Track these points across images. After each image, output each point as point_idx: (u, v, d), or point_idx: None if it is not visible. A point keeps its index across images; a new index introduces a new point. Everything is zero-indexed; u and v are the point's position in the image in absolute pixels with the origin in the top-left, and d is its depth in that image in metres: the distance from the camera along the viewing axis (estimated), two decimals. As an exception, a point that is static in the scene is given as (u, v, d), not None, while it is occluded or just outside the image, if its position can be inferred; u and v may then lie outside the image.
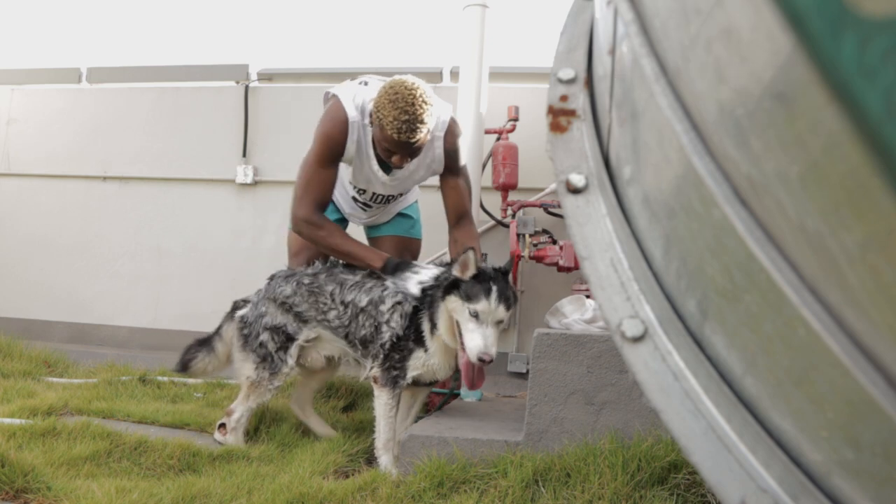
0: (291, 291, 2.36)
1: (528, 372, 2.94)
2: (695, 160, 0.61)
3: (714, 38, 0.56)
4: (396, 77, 2.28)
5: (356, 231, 2.85)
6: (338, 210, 2.75)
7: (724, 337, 0.64)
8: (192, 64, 4.44)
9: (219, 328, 2.52)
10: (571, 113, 0.85)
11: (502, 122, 3.51)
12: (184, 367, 2.51)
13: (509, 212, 3.52)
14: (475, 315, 2.03)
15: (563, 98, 0.86)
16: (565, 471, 1.79)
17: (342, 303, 2.30)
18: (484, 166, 3.40)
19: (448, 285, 2.11)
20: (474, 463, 1.91)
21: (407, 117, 2.18)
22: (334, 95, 2.45)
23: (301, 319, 2.36)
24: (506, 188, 3.45)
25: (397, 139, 2.22)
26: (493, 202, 3.56)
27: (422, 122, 2.21)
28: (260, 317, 2.37)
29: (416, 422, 2.38)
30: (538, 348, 2.01)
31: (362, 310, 2.27)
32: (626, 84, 0.75)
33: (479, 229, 3.47)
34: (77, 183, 4.43)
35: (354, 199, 2.69)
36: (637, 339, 0.69)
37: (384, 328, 2.22)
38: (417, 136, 2.23)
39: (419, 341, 2.19)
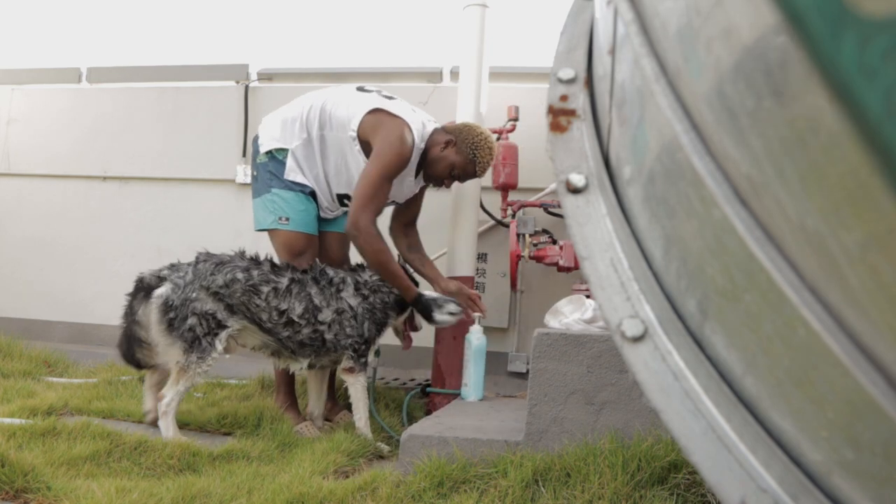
0: (223, 283, 2.42)
1: (528, 372, 2.94)
2: (695, 160, 0.61)
3: (714, 37, 0.56)
4: (482, 127, 2.85)
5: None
6: (315, 202, 2.80)
7: (724, 337, 0.64)
8: (192, 64, 4.43)
9: (133, 312, 2.44)
10: (571, 113, 0.85)
11: (502, 122, 3.51)
12: (137, 364, 2.52)
13: (509, 212, 3.52)
14: None
15: (563, 98, 0.86)
16: (565, 471, 1.79)
17: (277, 309, 2.47)
18: (484, 166, 3.40)
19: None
20: (474, 463, 1.91)
21: (492, 164, 2.84)
22: (398, 117, 2.67)
23: (231, 310, 2.43)
24: (506, 188, 3.45)
25: (478, 176, 2.85)
26: (493, 202, 3.56)
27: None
28: (188, 301, 2.37)
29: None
30: (538, 348, 2.01)
31: (308, 317, 2.52)
32: (626, 84, 0.75)
33: (480, 229, 3.48)
34: (77, 183, 4.43)
35: (342, 197, 2.84)
36: (637, 339, 0.69)
37: (351, 329, 2.56)
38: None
39: (380, 329, 2.67)
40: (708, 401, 0.65)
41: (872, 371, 0.49)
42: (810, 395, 0.56)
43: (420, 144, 2.71)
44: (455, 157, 2.72)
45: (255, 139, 2.86)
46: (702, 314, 0.66)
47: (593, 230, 0.77)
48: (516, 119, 3.46)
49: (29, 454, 1.93)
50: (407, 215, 2.98)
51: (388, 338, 3.74)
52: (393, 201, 2.91)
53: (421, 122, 2.73)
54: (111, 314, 4.29)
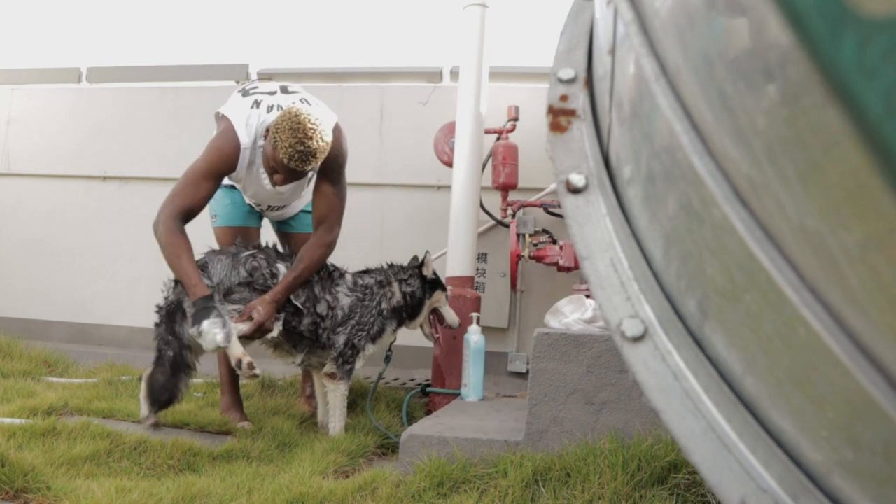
0: (248, 272, 2.54)
1: (528, 372, 2.94)
2: (695, 160, 0.61)
3: (714, 37, 0.56)
4: (298, 107, 2.40)
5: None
6: (250, 205, 2.78)
7: (724, 337, 0.64)
8: (192, 64, 4.44)
9: (178, 338, 2.33)
10: (571, 113, 0.85)
11: (502, 122, 3.51)
12: (171, 399, 2.36)
13: (509, 212, 3.52)
14: (448, 296, 2.82)
15: (563, 98, 0.86)
16: (565, 471, 1.79)
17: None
18: (484, 166, 3.40)
19: (433, 285, 2.74)
20: (474, 463, 1.91)
21: (302, 148, 2.31)
22: (225, 117, 2.53)
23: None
24: (506, 188, 3.45)
25: (286, 164, 2.34)
26: (493, 202, 3.56)
27: (314, 156, 2.35)
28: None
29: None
30: (538, 348, 2.01)
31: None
32: (626, 84, 0.75)
33: (480, 229, 3.48)
34: (77, 183, 4.43)
35: (251, 206, 2.79)
36: (637, 339, 0.69)
37: (342, 329, 2.53)
38: (307, 167, 2.37)
39: (373, 339, 2.61)
40: (708, 401, 0.65)
41: (872, 371, 0.49)
42: (810, 395, 0.56)
43: (254, 144, 2.50)
44: (267, 148, 2.42)
45: None
46: (702, 314, 0.66)
47: (593, 230, 0.77)
48: (516, 119, 3.46)
49: (29, 454, 1.92)
50: (315, 218, 2.65)
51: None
52: (269, 205, 2.75)
53: (245, 118, 2.49)
54: (111, 314, 4.32)
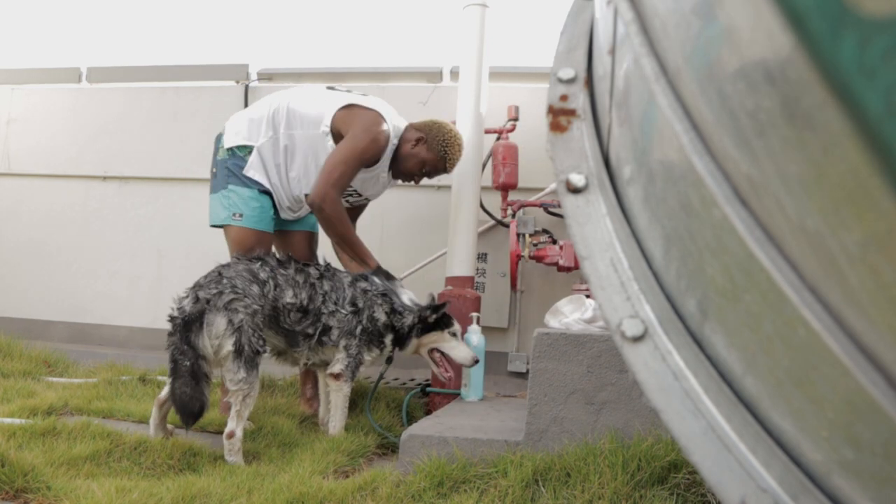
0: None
1: (528, 372, 2.94)
2: (695, 160, 0.61)
3: (714, 37, 0.56)
4: (454, 125, 2.90)
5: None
6: (272, 201, 2.80)
7: (724, 337, 0.64)
8: (192, 64, 4.44)
9: (193, 348, 2.22)
10: (571, 113, 0.85)
11: (502, 121, 3.51)
12: (200, 412, 2.29)
13: (509, 211, 3.52)
14: (454, 335, 2.66)
15: (563, 98, 0.86)
16: (565, 470, 1.79)
17: (289, 298, 2.51)
18: (484, 166, 3.40)
19: (433, 325, 2.64)
20: (474, 463, 1.91)
21: (460, 157, 2.85)
22: (373, 111, 2.71)
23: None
24: (506, 188, 3.45)
25: (447, 172, 2.87)
26: (493, 202, 3.56)
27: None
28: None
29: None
30: (538, 348, 2.01)
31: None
32: (626, 84, 0.75)
33: (480, 229, 3.48)
34: (77, 183, 4.43)
35: (273, 214, 2.83)
36: (637, 339, 0.69)
37: (350, 330, 2.52)
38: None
39: (380, 342, 2.63)
40: (708, 401, 0.65)
41: (872, 371, 0.49)
42: (810, 395, 0.56)
43: (394, 139, 2.75)
44: (426, 154, 2.78)
45: (218, 137, 2.84)
46: (702, 314, 0.66)
47: (593, 230, 0.77)
48: (516, 119, 3.46)
49: (29, 454, 1.93)
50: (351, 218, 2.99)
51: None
52: (363, 198, 2.96)
53: (389, 115, 2.75)
54: (111, 314, 4.32)
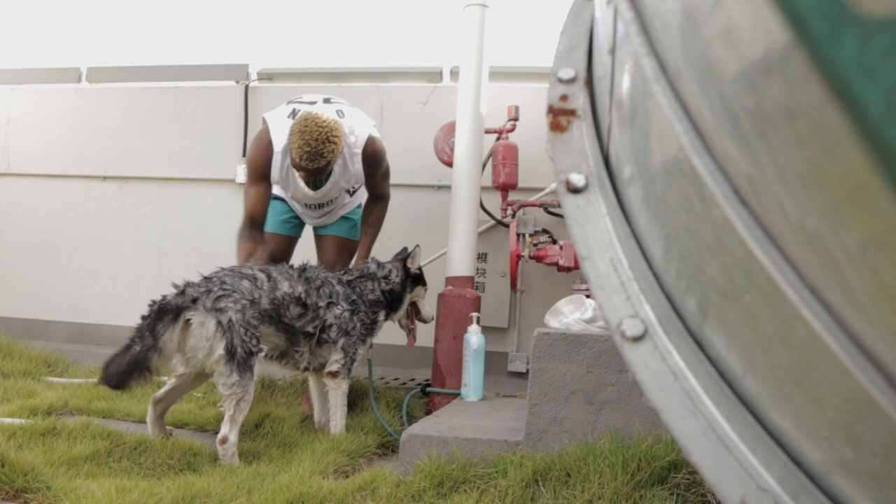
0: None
1: (528, 372, 2.94)
2: (695, 160, 0.61)
3: (714, 37, 0.56)
4: (312, 112, 2.63)
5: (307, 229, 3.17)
6: (292, 211, 3.04)
7: (724, 337, 0.64)
8: (192, 64, 4.43)
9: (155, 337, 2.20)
10: (571, 112, 0.85)
11: (502, 121, 3.51)
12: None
13: (509, 211, 3.51)
14: (426, 290, 2.92)
15: (563, 98, 0.86)
16: (565, 470, 1.79)
17: (292, 296, 2.54)
18: (484, 166, 3.40)
19: (416, 280, 2.86)
20: (474, 463, 1.91)
21: (309, 149, 2.53)
22: (264, 121, 2.81)
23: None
24: (506, 188, 3.45)
25: (298, 164, 2.60)
26: (493, 202, 3.56)
27: (321, 155, 2.55)
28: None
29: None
30: (538, 348, 2.01)
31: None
32: (626, 84, 0.75)
33: (480, 229, 3.48)
34: (77, 183, 4.43)
35: (291, 218, 3.05)
36: (637, 339, 0.69)
37: (349, 327, 2.59)
38: (316, 166, 2.58)
39: (373, 325, 2.74)
40: (708, 401, 0.65)
41: (872, 371, 0.49)
42: (810, 395, 0.56)
43: (281, 145, 2.74)
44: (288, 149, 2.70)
45: None
46: (702, 314, 0.66)
47: (593, 230, 0.77)
48: (516, 119, 3.46)
49: (29, 454, 1.93)
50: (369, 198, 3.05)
51: (391, 338, 3.75)
52: (315, 204, 2.96)
53: (281, 126, 2.74)
54: (111, 314, 4.31)
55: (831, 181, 0.47)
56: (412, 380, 3.55)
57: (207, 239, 4.17)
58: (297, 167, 2.62)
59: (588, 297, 2.42)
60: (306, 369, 2.64)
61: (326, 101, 2.90)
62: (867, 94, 0.42)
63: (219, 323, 2.19)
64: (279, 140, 2.72)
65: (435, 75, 4.04)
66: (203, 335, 2.19)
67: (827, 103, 0.44)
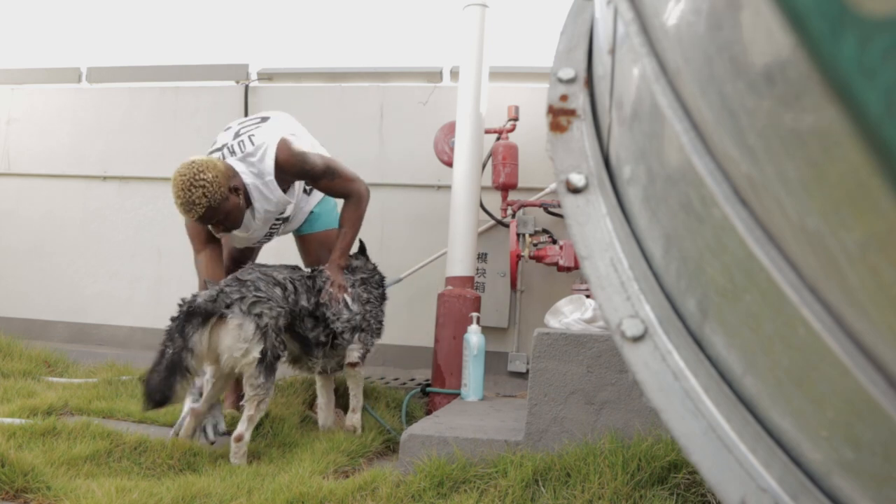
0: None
1: (528, 372, 2.94)
2: (695, 160, 0.61)
3: (714, 37, 0.56)
4: (185, 160, 2.43)
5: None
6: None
7: (724, 337, 0.64)
8: (192, 64, 4.43)
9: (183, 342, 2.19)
10: (571, 112, 0.85)
11: (502, 121, 3.51)
12: None
13: (509, 211, 3.51)
14: None
15: (563, 98, 0.86)
16: (565, 470, 1.79)
17: (308, 307, 2.54)
18: (484, 166, 3.40)
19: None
20: (474, 463, 1.91)
21: (180, 201, 2.36)
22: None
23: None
24: (506, 188, 3.44)
25: (185, 215, 2.44)
26: (493, 202, 3.56)
27: (194, 203, 2.36)
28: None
29: None
30: (538, 348, 2.01)
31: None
32: (626, 84, 0.75)
33: (480, 229, 3.48)
34: (77, 183, 4.43)
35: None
36: (637, 339, 0.69)
37: (373, 319, 2.67)
38: (197, 215, 2.39)
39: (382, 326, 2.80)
40: (708, 401, 0.65)
41: (872, 371, 0.49)
42: (810, 395, 0.56)
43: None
44: None
45: None
46: (702, 314, 0.66)
47: (593, 230, 0.77)
48: (516, 119, 3.46)
49: (29, 454, 1.93)
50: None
51: (391, 338, 3.74)
52: (267, 234, 2.87)
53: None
54: (111, 314, 4.32)
55: (831, 181, 0.47)
56: (412, 380, 3.55)
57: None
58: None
59: (588, 297, 2.42)
60: (321, 372, 2.67)
61: (263, 119, 2.76)
62: (867, 94, 0.42)
63: (258, 326, 2.23)
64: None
65: (435, 75, 4.04)
66: (241, 336, 2.21)
67: (827, 103, 0.44)
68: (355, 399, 2.68)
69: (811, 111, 0.47)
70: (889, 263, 0.44)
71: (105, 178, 4.39)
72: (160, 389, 2.13)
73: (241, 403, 2.41)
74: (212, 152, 2.65)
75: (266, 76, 4.26)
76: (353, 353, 2.63)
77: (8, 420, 2.27)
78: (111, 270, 4.33)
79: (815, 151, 0.47)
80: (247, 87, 4.16)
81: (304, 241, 2.99)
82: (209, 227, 2.54)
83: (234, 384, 2.78)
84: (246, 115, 4.10)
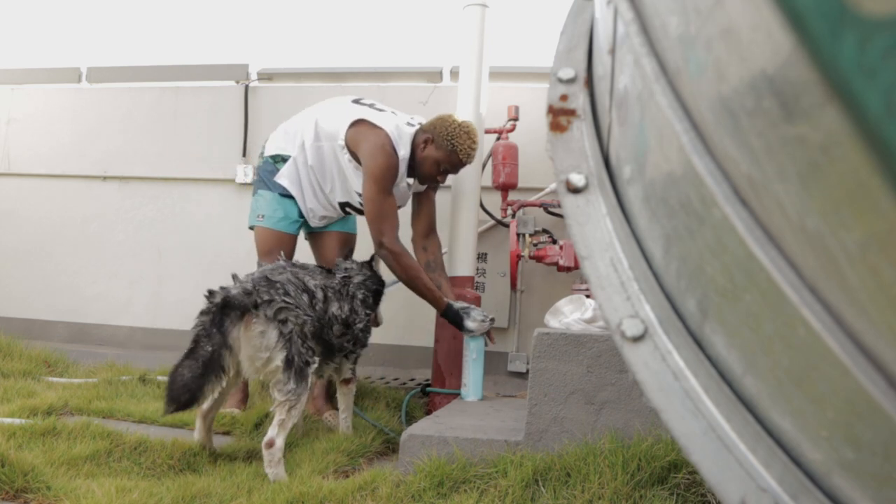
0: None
1: (528, 372, 2.94)
2: (695, 160, 0.61)
3: (714, 37, 0.56)
4: (461, 118, 2.85)
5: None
6: (298, 209, 2.90)
7: (724, 336, 0.64)
8: (192, 64, 4.43)
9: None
10: (571, 112, 0.85)
11: (502, 121, 3.51)
12: None
13: (509, 211, 3.51)
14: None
15: (563, 98, 0.86)
16: (565, 470, 1.79)
17: (334, 313, 2.46)
18: (484, 166, 3.40)
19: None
20: (474, 463, 1.91)
21: (476, 147, 2.81)
22: (381, 129, 2.74)
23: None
24: (506, 188, 3.45)
25: (465, 163, 2.83)
26: (493, 202, 3.56)
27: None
28: None
29: None
30: (538, 348, 2.01)
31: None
32: (626, 83, 0.75)
33: (480, 229, 3.48)
34: (77, 183, 4.43)
35: (343, 205, 2.94)
36: (637, 339, 0.69)
37: (362, 334, 2.55)
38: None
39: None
40: (708, 401, 0.65)
41: (872, 371, 0.49)
42: (810, 395, 0.56)
43: (403, 151, 2.76)
44: (436, 153, 2.79)
45: (263, 146, 3.03)
46: (702, 314, 0.66)
47: (593, 230, 0.77)
48: (516, 119, 3.46)
49: (29, 454, 1.93)
50: (423, 223, 3.04)
51: (391, 337, 3.74)
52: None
53: (396, 127, 2.77)
54: (111, 314, 4.32)
55: (831, 181, 0.47)
56: (412, 380, 3.55)
57: (207, 239, 4.17)
58: (458, 167, 2.84)
59: (588, 297, 2.42)
60: (321, 376, 2.58)
61: (370, 105, 2.92)
62: (867, 94, 0.42)
63: (280, 334, 2.12)
64: (402, 149, 2.75)
65: (435, 75, 4.04)
66: (263, 345, 2.11)
67: (827, 103, 0.44)
68: (346, 421, 2.58)
69: (811, 111, 0.47)
70: (889, 263, 0.44)
71: (105, 178, 4.39)
72: (190, 388, 2.00)
73: (270, 409, 2.26)
74: (383, 108, 2.88)
75: (266, 76, 4.26)
76: (348, 371, 2.58)
77: (8, 420, 2.27)
78: (111, 270, 4.33)
79: (814, 151, 0.47)
80: (247, 87, 4.16)
81: (330, 238, 3.02)
82: (439, 176, 2.84)
83: (242, 384, 2.77)
84: (246, 115, 4.11)
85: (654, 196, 0.71)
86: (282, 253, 2.64)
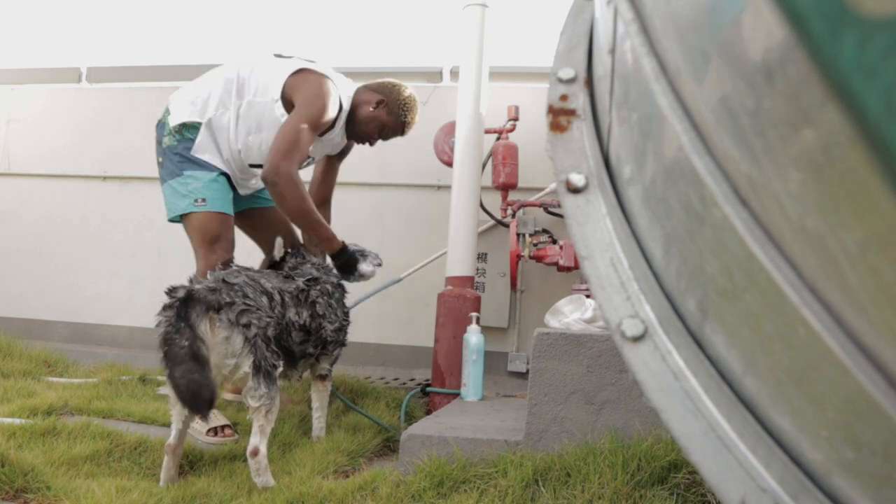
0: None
1: (528, 372, 2.94)
2: (695, 159, 0.61)
3: (714, 37, 0.56)
4: (405, 84, 2.81)
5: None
6: (229, 181, 2.67)
7: (724, 336, 0.64)
8: (193, 64, 4.43)
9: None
10: (571, 112, 0.85)
11: (502, 121, 3.51)
12: None
13: (509, 211, 3.52)
14: None
15: (563, 97, 0.86)
16: (565, 470, 1.79)
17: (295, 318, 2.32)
18: (484, 166, 3.40)
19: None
20: (474, 462, 1.91)
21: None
22: (326, 78, 2.64)
23: None
24: (506, 188, 3.45)
25: (403, 135, 2.83)
26: (493, 202, 3.56)
27: None
28: None
29: None
30: (538, 348, 2.01)
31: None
32: (627, 84, 0.75)
33: (480, 229, 3.48)
34: (77, 183, 4.42)
35: (256, 167, 2.68)
36: (637, 339, 0.69)
37: (335, 327, 2.44)
38: None
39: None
40: (708, 401, 0.65)
41: (872, 371, 0.49)
42: (810, 395, 0.56)
43: (345, 103, 2.68)
44: (386, 118, 2.74)
45: (159, 124, 2.77)
46: (702, 314, 0.66)
47: (593, 230, 0.77)
48: (516, 119, 3.46)
49: (29, 454, 1.92)
50: (323, 190, 2.94)
51: (391, 337, 3.75)
52: (310, 158, 2.75)
53: (343, 81, 2.72)
54: (111, 314, 4.32)
55: (831, 181, 0.47)
56: (412, 380, 3.55)
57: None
58: (398, 134, 2.82)
59: (588, 297, 2.42)
60: (299, 379, 2.52)
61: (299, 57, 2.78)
62: (867, 94, 0.42)
63: (246, 339, 2.03)
64: (345, 101, 2.67)
65: (435, 75, 4.04)
66: (229, 351, 2.00)
67: (827, 103, 0.44)
68: (319, 421, 2.48)
69: (811, 111, 0.47)
70: (889, 263, 0.44)
71: (105, 178, 4.39)
72: (206, 384, 1.86)
73: (247, 417, 2.11)
74: (289, 57, 2.73)
75: (266, 76, 4.25)
76: (325, 368, 2.48)
77: (8, 420, 2.27)
78: (111, 270, 4.33)
79: (814, 151, 0.47)
80: (247, 87, 4.15)
81: (273, 213, 2.77)
82: (375, 138, 2.81)
83: None
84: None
85: (654, 196, 0.71)
86: (233, 257, 2.50)
